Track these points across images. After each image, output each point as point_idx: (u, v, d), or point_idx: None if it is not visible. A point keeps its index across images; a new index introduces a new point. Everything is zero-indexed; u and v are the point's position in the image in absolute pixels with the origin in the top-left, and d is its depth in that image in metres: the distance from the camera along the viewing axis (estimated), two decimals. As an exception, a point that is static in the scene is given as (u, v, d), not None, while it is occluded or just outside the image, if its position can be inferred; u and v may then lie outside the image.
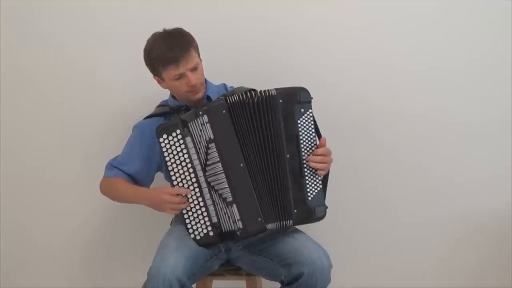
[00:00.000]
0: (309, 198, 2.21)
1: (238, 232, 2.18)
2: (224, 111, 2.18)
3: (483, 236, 2.72)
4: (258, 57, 2.73)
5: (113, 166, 2.41)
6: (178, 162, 2.20)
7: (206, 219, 2.20)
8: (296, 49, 2.72)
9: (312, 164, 2.21)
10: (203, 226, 2.20)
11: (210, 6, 2.72)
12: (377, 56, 2.69)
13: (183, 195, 2.19)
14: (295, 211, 2.19)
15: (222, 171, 2.17)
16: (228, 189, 2.17)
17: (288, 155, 2.19)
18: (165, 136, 2.20)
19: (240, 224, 2.17)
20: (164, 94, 2.45)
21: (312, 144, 2.23)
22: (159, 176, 2.47)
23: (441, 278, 2.75)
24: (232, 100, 2.19)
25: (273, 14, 2.71)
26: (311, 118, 2.23)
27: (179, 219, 2.29)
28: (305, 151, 2.21)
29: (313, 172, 2.22)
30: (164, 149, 2.21)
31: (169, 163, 2.21)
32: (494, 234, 2.71)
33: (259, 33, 2.73)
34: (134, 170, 2.39)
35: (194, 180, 2.20)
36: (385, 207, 2.75)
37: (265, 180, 2.19)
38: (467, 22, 2.65)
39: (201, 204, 2.20)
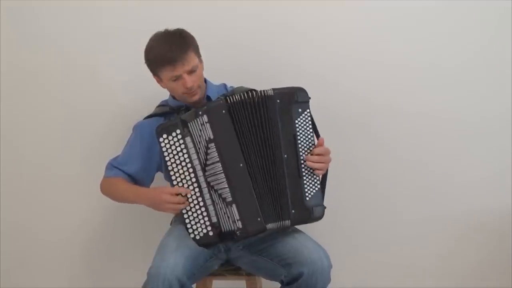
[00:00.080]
0: (307, 198, 2.21)
1: (237, 232, 2.18)
2: (224, 111, 2.17)
3: (483, 235, 2.72)
4: (258, 56, 2.73)
5: (113, 166, 2.42)
6: (178, 162, 2.20)
7: (206, 219, 2.20)
8: (296, 48, 2.72)
9: (309, 164, 2.21)
10: (203, 226, 2.20)
11: (210, 6, 2.72)
12: (377, 54, 2.69)
13: (183, 195, 2.20)
14: (293, 211, 2.19)
15: (222, 171, 2.17)
16: (227, 189, 2.17)
17: (285, 155, 2.19)
18: (165, 136, 2.20)
19: (239, 224, 2.17)
20: (164, 94, 2.45)
21: (310, 144, 2.23)
22: (159, 176, 2.47)
23: (441, 278, 2.75)
24: (232, 100, 2.19)
25: (273, 13, 2.71)
26: (309, 118, 2.23)
27: (179, 219, 2.29)
28: (303, 151, 2.21)
29: (311, 172, 2.22)
30: (164, 149, 2.21)
31: (169, 163, 2.21)
32: (494, 233, 2.71)
33: (259, 32, 2.73)
34: (134, 170, 2.40)
35: (194, 180, 2.20)
36: (385, 206, 2.75)
37: (264, 180, 2.19)
38: (467, 20, 2.65)
39: (201, 204, 2.20)
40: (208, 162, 2.18)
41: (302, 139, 2.21)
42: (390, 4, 2.66)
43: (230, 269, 2.39)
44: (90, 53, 2.80)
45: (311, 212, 2.21)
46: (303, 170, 2.21)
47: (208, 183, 2.19)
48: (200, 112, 2.17)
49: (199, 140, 2.19)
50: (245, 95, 2.19)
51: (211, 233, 2.20)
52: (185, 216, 2.21)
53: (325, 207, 2.24)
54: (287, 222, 2.20)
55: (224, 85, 2.50)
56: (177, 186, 2.21)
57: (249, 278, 2.42)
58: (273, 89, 2.20)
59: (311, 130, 2.23)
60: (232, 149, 2.17)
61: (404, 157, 2.72)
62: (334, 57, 2.71)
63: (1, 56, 2.83)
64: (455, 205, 2.72)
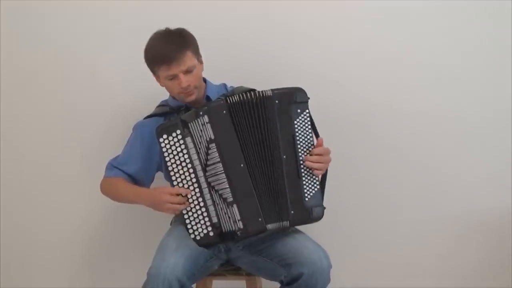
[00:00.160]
0: (307, 199, 2.21)
1: (238, 232, 2.18)
2: (224, 111, 2.17)
3: (483, 235, 2.72)
4: (258, 55, 2.72)
5: (113, 166, 2.42)
6: (178, 162, 2.20)
7: (206, 219, 2.20)
8: (296, 47, 2.72)
9: (308, 164, 2.20)
10: (203, 226, 2.20)
11: (210, 5, 2.72)
12: (377, 53, 2.69)
13: (183, 195, 2.19)
14: (292, 212, 2.19)
15: (223, 171, 2.17)
16: (228, 189, 2.17)
17: (284, 156, 2.19)
18: (165, 136, 2.20)
19: (240, 224, 2.17)
20: (164, 93, 2.44)
21: (309, 144, 2.23)
22: (159, 176, 2.47)
23: (441, 278, 2.75)
24: (232, 100, 2.19)
25: (273, 12, 2.71)
26: (308, 118, 2.22)
27: (179, 219, 2.29)
28: (302, 152, 2.21)
29: (311, 173, 2.22)
30: (164, 149, 2.21)
31: (169, 163, 2.21)
32: (494, 233, 2.71)
33: (259, 32, 2.72)
34: (134, 170, 2.39)
35: (194, 180, 2.19)
36: (384, 206, 2.75)
37: (264, 181, 2.19)
38: (467, 19, 2.65)
39: (201, 204, 2.20)
40: (208, 163, 2.18)
41: (301, 140, 2.21)
42: (390, 3, 2.66)
43: (230, 269, 2.39)
44: (90, 52, 2.80)
45: (311, 213, 2.21)
46: (302, 170, 2.21)
47: (208, 184, 2.19)
48: (201, 113, 2.17)
49: (200, 140, 2.18)
50: (245, 95, 2.19)
51: (211, 234, 2.20)
52: (186, 216, 2.21)
53: (324, 208, 2.24)
54: (286, 223, 2.20)
55: (224, 85, 2.50)
56: (177, 186, 2.21)
57: (249, 278, 2.43)
58: (272, 90, 2.20)
59: (310, 131, 2.23)
60: (233, 149, 2.17)
61: (404, 157, 2.72)
62: (334, 56, 2.71)
63: (0, 55, 2.83)
64: (455, 204, 2.72)
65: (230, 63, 2.71)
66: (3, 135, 2.87)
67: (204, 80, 2.43)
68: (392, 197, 2.75)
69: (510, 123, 2.66)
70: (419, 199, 2.73)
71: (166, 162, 2.21)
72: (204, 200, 2.20)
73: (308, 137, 2.23)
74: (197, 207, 2.20)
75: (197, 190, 2.19)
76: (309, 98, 2.23)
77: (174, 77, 2.26)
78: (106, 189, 2.43)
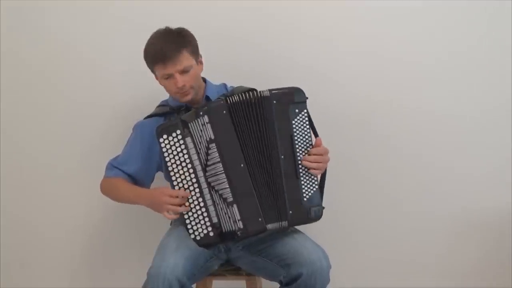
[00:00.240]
0: (305, 199, 2.21)
1: (238, 232, 2.18)
2: (224, 112, 2.17)
3: (483, 233, 2.72)
4: (258, 54, 2.73)
5: (113, 166, 2.42)
6: (178, 162, 2.20)
7: (207, 219, 2.20)
8: (297, 46, 2.72)
9: (305, 164, 2.20)
10: (203, 227, 2.20)
11: (210, 4, 2.72)
12: (377, 51, 2.69)
13: (183, 196, 2.19)
14: (290, 212, 2.19)
15: (223, 171, 2.17)
16: (228, 189, 2.17)
17: (282, 156, 2.19)
18: (165, 136, 2.20)
19: (240, 224, 2.17)
20: (165, 93, 2.44)
21: (308, 144, 2.22)
22: (159, 176, 2.47)
23: (441, 277, 2.75)
24: (232, 100, 2.19)
25: (274, 10, 2.71)
26: (306, 118, 2.22)
27: (179, 220, 2.29)
28: (300, 152, 2.21)
29: (309, 173, 2.22)
30: (164, 150, 2.21)
31: (169, 164, 2.20)
32: (494, 231, 2.71)
33: (259, 31, 2.72)
34: (134, 170, 2.40)
35: (194, 180, 2.19)
36: (384, 205, 2.75)
37: (263, 181, 2.19)
38: (467, 17, 2.65)
39: (201, 204, 2.20)
40: (209, 163, 2.18)
41: (299, 140, 2.21)
42: (390, 2, 2.66)
43: (230, 269, 2.39)
44: (90, 51, 2.80)
45: (309, 213, 2.21)
46: (301, 171, 2.21)
47: (208, 184, 2.19)
48: (201, 113, 2.17)
49: (200, 140, 2.18)
50: (244, 95, 2.19)
51: (211, 234, 2.20)
52: (186, 216, 2.21)
53: (323, 208, 2.23)
54: (285, 223, 2.20)
55: (224, 85, 2.50)
56: (177, 188, 2.21)
57: (249, 278, 2.43)
58: (270, 90, 2.20)
59: (308, 130, 2.23)
60: (233, 149, 2.17)
61: (404, 156, 2.72)
62: (335, 55, 2.71)
63: (1, 52, 2.83)
64: (455, 203, 2.72)
65: (230, 62, 2.72)
66: (3, 135, 2.88)
67: (204, 80, 2.43)
68: (392, 197, 2.75)
69: (510, 122, 2.66)
70: (419, 198, 2.73)
71: (166, 162, 2.21)
72: (204, 200, 2.20)
73: (307, 137, 2.22)
74: (197, 207, 2.20)
75: (197, 190, 2.19)
76: (307, 98, 2.22)
77: (170, 77, 2.26)
78: (106, 189, 2.43)
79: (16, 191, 2.90)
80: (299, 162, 2.20)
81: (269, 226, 2.19)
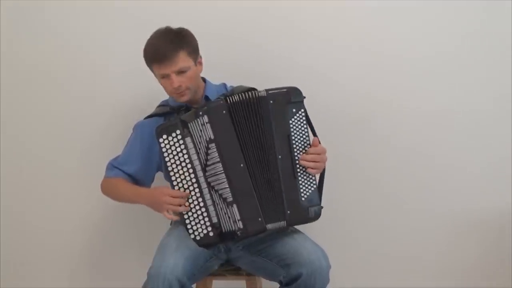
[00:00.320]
0: (303, 199, 2.21)
1: (238, 232, 2.18)
2: (224, 111, 2.17)
3: (484, 233, 2.72)
4: (258, 54, 2.73)
5: (114, 166, 2.42)
6: (178, 162, 2.20)
7: (206, 219, 2.20)
8: (297, 45, 2.72)
9: (302, 163, 2.20)
10: (203, 227, 2.20)
11: (211, 3, 2.72)
12: (377, 51, 2.69)
13: (183, 197, 2.19)
14: (288, 212, 2.19)
15: (223, 171, 2.17)
16: (228, 189, 2.17)
17: (280, 156, 2.19)
18: (164, 136, 2.20)
19: (240, 224, 2.17)
20: (165, 92, 2.44)
21: (306, 144, 2.22)
22: (159, 176, 2.47)
23: (441, 277, 2.75)
24: (231, 100, 2.18)
25: (274, 10, 2.71)
26: (304, 118, 2.22)
27: (179, 219, 2.29)
28: (298, 151, 2.21)
29: (307, 172, 2.21)
30: (163, 150, 2.20)
31: (168, 164, 2.20)
32: (494, 231, 2.71)
33: (259, 30, 2.72)
34: (134, 170, 2.40)
35: (194, 180, 2.19)
36: (384, 205, 2.75)
37: (262, 180, 2.19)
38: (467, 16, 2.65)
39: (201, 204, 2.20)
40: (208, 163, 2.18)
41: (296, 139, 2.21)
42: (390, 2, 2.66)
43: (230, 269, 2.39)
44: (90, 50, 2.80)
45: (307, 213, 2.20)
46: (298, 170, 2.20)
47: (208, 184, 2.19)
48: (201, 113, 2.17)
49: (200, 140, 2.18)
50: (243, 95, 2.19)
51: (211, 234, 2.20)
52: (185, 216, 2.21)
53: (322, 207, 2.23)
54: (283, 223, 2.20)
55: (224, 85, 2.50)
56: (177, 188, 2.20)
57: (249, 278, 2.43)
58: (266, 90, 2.20)
59: (306, 130, 2.22)
60: (233, 149, 2.17)
61: (404, 155, 2.72)
62: (335, 54, 2.71)
63: (1, 51, 2.83)
64: (455, 203, 2.72)
65: (230, 62, 2.71)
66: (2, 135, 2.88)
67: (204, 80, 2.43)
68: (392, 196, 2.75)
69: (511, 121, 2.66)
70: (419, 198, 2.73)
71: (166, 162, 2.21)
72: (204, 200, 2.20)
73: (304, 136, 2.22)
74: (197, 207, 2.20)
75: (197, 190, 2.19)
76: (304, 97, 2.22)
77: (166, 76, 2.26)
78: (107, 189, 2.43)
79: (16, 191, 2.91)
80: (297, 162, 2.20)
81: (269, 226, 2.19)
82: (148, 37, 2.32)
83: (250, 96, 2.19)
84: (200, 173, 2.19)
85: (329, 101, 2.70)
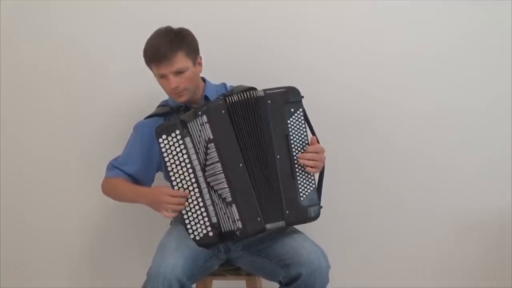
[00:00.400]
0: (302, 199, 2.20)
1: (237, 232, 2.17)
2: (223, 111, 2.17)
3: (484, 233, 2.72)
4: (260, 54, 2.73)
5: (114, 166, 2.43)
6: (177, 162, 2.20)
7: (206, 219, 2.20)
8: (298, 45, 2.72)
9: (301, 162, 2.19)
10: (203, 227, 2.20)
11: (211, 3, 2.72)
12: (378, 50, 2.69)
13: (183, 196, 2.19)
14: (287, 212, 2.19)
15: (222, 171, 2.17)
16: (227, 189, 2.17)
17: (278, 156, 2.18)
18: (164, 136, 2.20)
19: (239, 224, 2.17)
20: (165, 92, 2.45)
21: (304, 144, 2.22)
22: (160, 176, 2.47)
23: (441, 277, 2.75)
24: (231, 100, 2.18)
25: (274, 10, 2.71)
26: (302, 117, 2.21)
27: (179, 219, 2.29)
28: (296, 151, 2.20)
29: (306, 172, 2.21)
30: (163, 150, 2.20)
31: (168, 164, 2.20)
32: (494, 231, 2.71)
33: (260, 30, 2.73)
34: (134, 170, 2.40)
35: (193, 180, 2.19)
36: (384, 205, 2.75)
37: (262, 180, 2.19)
38: (468, 18, 2.65)
39: (201, 204, 2.20)
40: (207, 163, 2.18)
41: (295, 139, 2.21)
42: (391, 1, 2.66)
43: (230, 269, 2.39)
44: (90, 49, 2.81)
45: (306, 212, 2.20)
46: (297, 170, 2.20)
47: (207, 184, 2.19)
48: (200, 113, 2.17)
49: (199, 140, 2.18)
50: (242, 95, 2.19)
51: (211, 234, 2.20)
52: (185, 216, 2.21)
53: (321, 207, 2.23)
54: (282, 223, 2.19)
55: (224, 85, 2.49)
56: (177, 188, 2.20)
57: (249, 278, 2.43)
58: (264, 90, 2.20)
59: (304, 130, 2.22)
60: (232, 149, 2.17)
61: (404, 155, 2.72)
62: (336, 54, 2.71)
63: (1, 51, 2.83)
64: (455, 203, 2.72)
65: (231, 62, 2.72)
66: (2, 135, 2.88)
67: (204, 80, 2.43)
68: (392, 196, 2.75)
69: (511, 121, 2.65)
70: (419, 198, 2.73)
71: (166, 162, 2.21)
72: (203, 200, 2.19)
73: (303, 136, 2.22)
74: (197, 207, 2.20)
75: (196, 190, 2.19)
76: (303, 96, 2.22)
77: (163, 77, 2.27)
78: (107, 190, 2.43)
79: (16, 191, 2.91)
80: (295, 161, 2.20)
81: (268, 226, 2.18)
82: (149, 37, 2.32)
83: (249, 96, 2.18)
84: (199, 173, 2.19)
85: (329, 101, 2.69)
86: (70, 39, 2.81)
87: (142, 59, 2.31)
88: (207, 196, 2.19)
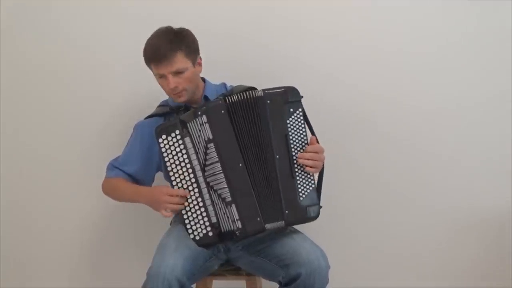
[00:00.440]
0: (301, 198, 2.20)
1: (237, 232, 2.17)
2: (223, 111, 2.17)
3: (484, 232, 2.72)
4: (262, 53, 2.73)
5: (114, 166, 2.43)
6: (177, 162, 2.20)
7: (206, 219, 2.20)
8: (299, 45, 2.72)
9: (301, 161, 2.19)
10: (203, 227, 2.20)
11: (211, 2, 2.72)
12: (379, 49, 2.69)
13: (182, 196, 2.19)
14: (287, 211, 2.18)
15: (221, 171, 2.17)
16: (227, 189, 2.17)
17: (277, 156, 2.18)
18: (164, 136, 2.20)
19: (239, 224, 2.17)
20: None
21: (303, 144, 2.21)
22: (160, 176, 2.47)
23: (441, 277, 2.75)
24: (230, 100, 2.18)
25: (276, 10, 2.71)
26: (302, 117, 2.21)
27: (179, 219, 2.29)
28: (296, 151, 2.20)
29: (305, 172, 2.21)
30: (163, 150, 2.20)
31: (168, 164, 2.20)
32: (495, 229, 2.71)
33: (264, 29, 2.73)
34: (134, 170, 2.40)
35: (193, 180, 2.19)
36: (384, 205, 2.75)
37: (261, 180, 2.19)
38: (469, 17, 2.65)
39: (200, 204, 2.20)
40: (207, 163, 2.18)
41: (294, 139, 2.20)
42: (392, 1, 2.67)
43: (230, 269, 2.39)
44: (90, 49, 2.81)
45: (306, 212, 2.20)
46: (296, 170, 2.20)
47: (207, 183, 2.19)
48: (199, 112, 2.17)
49: (198, 140, 2.18)
50: (241, 95, 2.19)
51: (210, 234, 2.20)
52: (185, 216, 2.21)
53: (321, 207, 2.23)
54: (281, 223, 2.19)
55: (224, 85, 2.49)
56: (177, 188, 2.20)
57: (249, 278, 2.43)
58: (263, 90, 2.20)
59: (304, 130, 2.22)
60: (231, 149, 2.17)
61: (404, 155, 2.72)
62: (337, 53, 2.71)
63: (1, 51, 2.83)
64: (455, 202, 2.72)
65: (231, 61, 2.72)
66: (2, 134, 2.88)
67: (203, 80, 2.43)
68: (392, 195, 2.75)
69: (511, 120, 2.65)
70: (419, 196, 2.73)
71: (165, 162, 2.21)
72: (203, 200, 2.19)
73: (302, 136, 2.22)
74: (196, 207, 2.20)
75: (196, 190, 2.19)
76: (302, 96, 2.22)
77: (162, 77, 2.27)
78: (107, 190, 2.44)
79: (16, 190, 2.91)
80: (295, 161, 2.20)
81: (268, 226, 2.18)
82: (149, 36, 2.32)
83: (248, 96, 2.18)
84: (199, 173, 2.19)
85: (329, 100, 2.69)
86: (69, 39, 2.81)
87: (142, 59, 2.31)
88: (206, 196, 2.19)
